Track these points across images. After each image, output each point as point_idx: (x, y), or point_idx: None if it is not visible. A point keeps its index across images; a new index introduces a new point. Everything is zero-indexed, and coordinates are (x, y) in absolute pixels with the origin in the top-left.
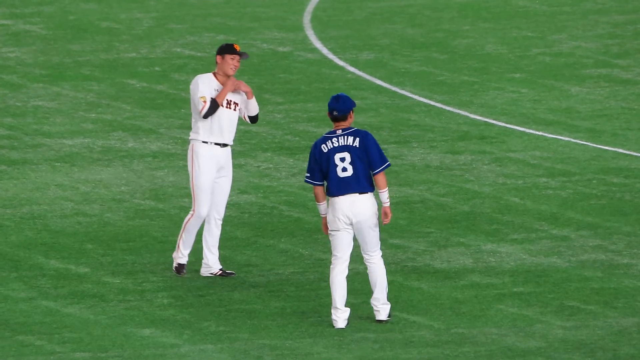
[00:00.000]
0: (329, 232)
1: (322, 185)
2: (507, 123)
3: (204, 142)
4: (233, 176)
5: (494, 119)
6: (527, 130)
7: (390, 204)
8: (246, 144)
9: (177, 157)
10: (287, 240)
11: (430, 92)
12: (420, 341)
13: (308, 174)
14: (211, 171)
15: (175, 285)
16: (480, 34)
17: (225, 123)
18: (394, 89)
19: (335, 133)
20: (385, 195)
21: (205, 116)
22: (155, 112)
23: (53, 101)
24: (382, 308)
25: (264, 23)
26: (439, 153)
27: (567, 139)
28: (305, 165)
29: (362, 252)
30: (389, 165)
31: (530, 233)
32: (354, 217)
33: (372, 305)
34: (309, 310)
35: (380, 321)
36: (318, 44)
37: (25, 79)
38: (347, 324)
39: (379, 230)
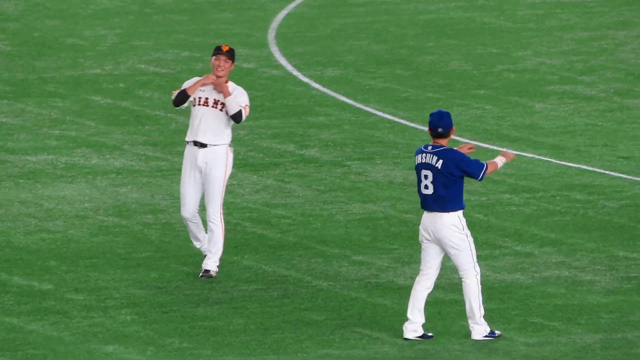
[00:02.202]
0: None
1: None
2: (471, 139)
3: (186, 141)
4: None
5: (458, 136)
6: (491, 147)
7: (496, 165)
8: None
9: (140, 173)
10: (251, 256)
11: (394, 109)
12: (383, 357)
13: None
14: (188, 171)
15: (138, 302)
16: (444, 50)
17: (206, 122)
18: (358, 105)
19: (427, 149)
20: (499, 164)
21: (174, 104)
22: (119, 129)
23: (17, 117)
24: (474, 327)
25: (229, 40)
26: (402, 169)
27: (531, 155)
28: (268, 182)
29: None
30: (485, 167)
31: (494, 249)
32: (433, 233)
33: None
34: (272, 327)
35: (476, 340)
36: (282, 61)
37: None
38: (418, 335)
39: (473, 252)
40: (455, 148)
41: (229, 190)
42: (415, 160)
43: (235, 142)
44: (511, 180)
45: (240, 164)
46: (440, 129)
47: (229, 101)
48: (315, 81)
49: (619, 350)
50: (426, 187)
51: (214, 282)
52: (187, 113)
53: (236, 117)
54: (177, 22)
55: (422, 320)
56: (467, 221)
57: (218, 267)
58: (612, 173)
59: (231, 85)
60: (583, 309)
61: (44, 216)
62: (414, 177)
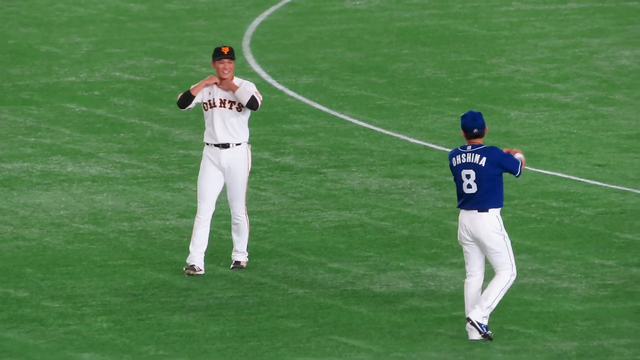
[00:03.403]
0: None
1: None
2: (446, 147)
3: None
4: (176, 199)
5: (433, 143)
6: None
7: (524, 160)
8: (185, 168)
9: (116, 181)
10: (227, 264)
11: (369, 116)
12: None
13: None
14: (208, 169)
15: (114, 309)
16: (419, 58)
17: (220, 122)
18: (333, 113)
19: (466, 149)
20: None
21: (179, 105)
22: (94, 136)
23: None
24: (475, 308)
25: (203, 47)
26: (378, 177)
27: None
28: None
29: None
30: (520, 163)
31: None
32: (473, 233)
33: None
34: (248, 334)
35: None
36: (257, 68)
37: None
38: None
39: (511, 253)
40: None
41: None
42: (451, 162)
43: None
44: None
45: None
46: (476, 130)
47: (239, 92)
48: (290, 89)
49: (595, 357)
50: (469, 186)
51: (190, 289)
52: (162, 121)
53: (252, 104)
54: (151, 30)
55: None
56: (444, 228)
57: (247, 257)
58: (588, 181)
59: (237, 80)
60: (559, 316)
61: (19, 224)
62: (389, 184)
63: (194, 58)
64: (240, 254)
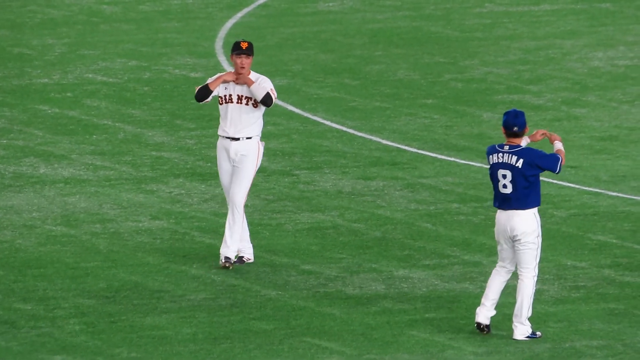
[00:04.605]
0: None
1: None
2: (419, 149)
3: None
4: (148, 201)
5: (406, 145)
6: (439, 156)
7: (563, 152)
8: (158, 170)
9: (89, 183)
10: (199, 266)
11: (342, 118)
12: None
13: None
14: (223, 162)
15: (87, 312)
16: (392, 59)
17: (234, 117)
18: (306, 114)
19: (503, 148)
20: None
21: (197, 99)
22: (67, 138)
23: None
24: (517, 326)
25: (176, 49)
26: (351, 179)
27: (479, 164)
28: (217, 191)
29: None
30: (560, 159)
31: (443, 259)
32: (511, 230)
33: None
34: (221, 336)
35: (516, 340)
36: (230, 69)
37: None
38: (489, 323)
39: (539, 253)
40: (527, 136)
41: (177, 199)
42: (489, 160)
43: (184, 151)
44: (459, 189)
45: (188, 173)
46: (515, 128)
47: (254, 88)
48: None
49: (567, 359)
50: (505, 186)
51: (162, 291)
52: (135, 123)
53: (266, 101)
54: (124, 32)
55: (494, 311)
56: (416, 230)
57: (236, 257)
58: (560, 182)
59: (254, 74)
60: (531, 318)
61: None
62: (362, 186)
63: (167, 60)
64: (227, 249)
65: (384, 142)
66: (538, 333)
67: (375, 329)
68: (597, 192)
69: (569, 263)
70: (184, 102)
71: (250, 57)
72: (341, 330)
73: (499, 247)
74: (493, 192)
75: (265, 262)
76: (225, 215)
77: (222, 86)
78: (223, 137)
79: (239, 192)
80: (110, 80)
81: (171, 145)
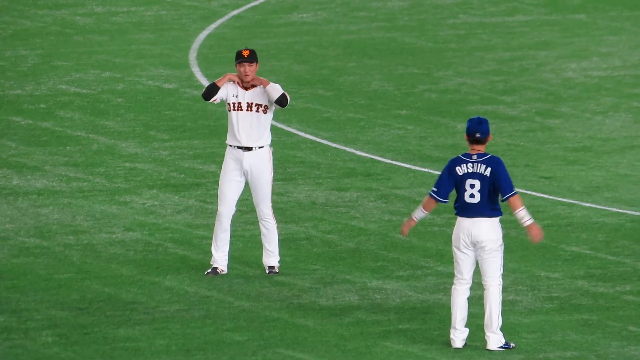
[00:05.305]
0: (453, 249)
1: (442, 202)
2: (393, 160)
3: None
4: (122, 212)
5: (380, 156)
6: (413, 167)
7: (534, 221)
8: (131, 181)
9: (62, 194)
10: (173, 277)
11: (316, 129)
12: None
13: (435, 189)
14: (230, 170)
15: (60, 324)
16: (366, 70)
17: (245, 126)
18: (280, 125)
19: (471, 158)
20: (522, 213)
21: (204, 97)
22: (40, 149)
23: None
24: (490, 336)
25: (150, 60)
26: (324, 190)
27: None
28: (190, 202)
29: (481, 277)
30: (515, 193)
31: (416, 270)
32: (474, 237)
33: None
34: (194, 348)
35: (490, 350)
36: (204, 81)
37: None
38: (465, 344)
39: (501, 260)
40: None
41: (151, 210)
42: (455, 171)
43: (157, 162)
44: None
45: (162, 184)
46: (478, 134)
47: (270, 87)
48: None
49: None
50: (472, 195)
51: (136, 302)
52: (109, 134)
53: (281, 101)
54: (98, 43)
55: (466, 332)
56: (390, 241)
57: (279, 262)
58: (534, 193)
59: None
60: (505, 329)
61: None
62: (336, 197)
63: (141, 71)
64: (273, 259)
65: (358, 153)
66: (512, 344)
67: (349, 340)
68: (570, 202)
69: (542, 274)
70: (158, 113)
71: (254, 64)
72: (315, 341)
73: (456, 257)
74: (456, 200)
75: (239, 274)
76: (199, 226)
77: (231, 93)
78: (234, 146)
79: (263, 203)
80: (84, 91)
81: (145, 157)
